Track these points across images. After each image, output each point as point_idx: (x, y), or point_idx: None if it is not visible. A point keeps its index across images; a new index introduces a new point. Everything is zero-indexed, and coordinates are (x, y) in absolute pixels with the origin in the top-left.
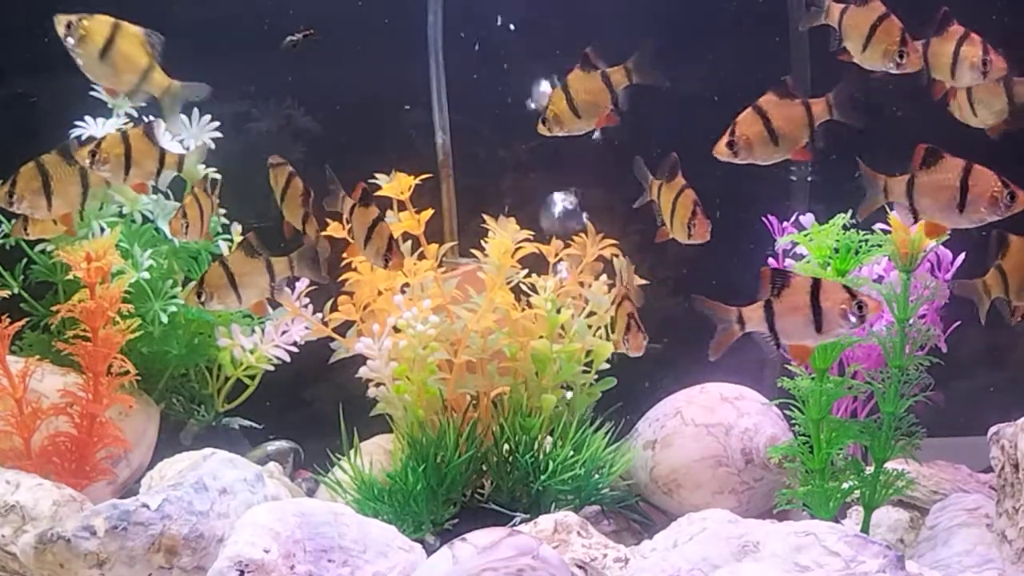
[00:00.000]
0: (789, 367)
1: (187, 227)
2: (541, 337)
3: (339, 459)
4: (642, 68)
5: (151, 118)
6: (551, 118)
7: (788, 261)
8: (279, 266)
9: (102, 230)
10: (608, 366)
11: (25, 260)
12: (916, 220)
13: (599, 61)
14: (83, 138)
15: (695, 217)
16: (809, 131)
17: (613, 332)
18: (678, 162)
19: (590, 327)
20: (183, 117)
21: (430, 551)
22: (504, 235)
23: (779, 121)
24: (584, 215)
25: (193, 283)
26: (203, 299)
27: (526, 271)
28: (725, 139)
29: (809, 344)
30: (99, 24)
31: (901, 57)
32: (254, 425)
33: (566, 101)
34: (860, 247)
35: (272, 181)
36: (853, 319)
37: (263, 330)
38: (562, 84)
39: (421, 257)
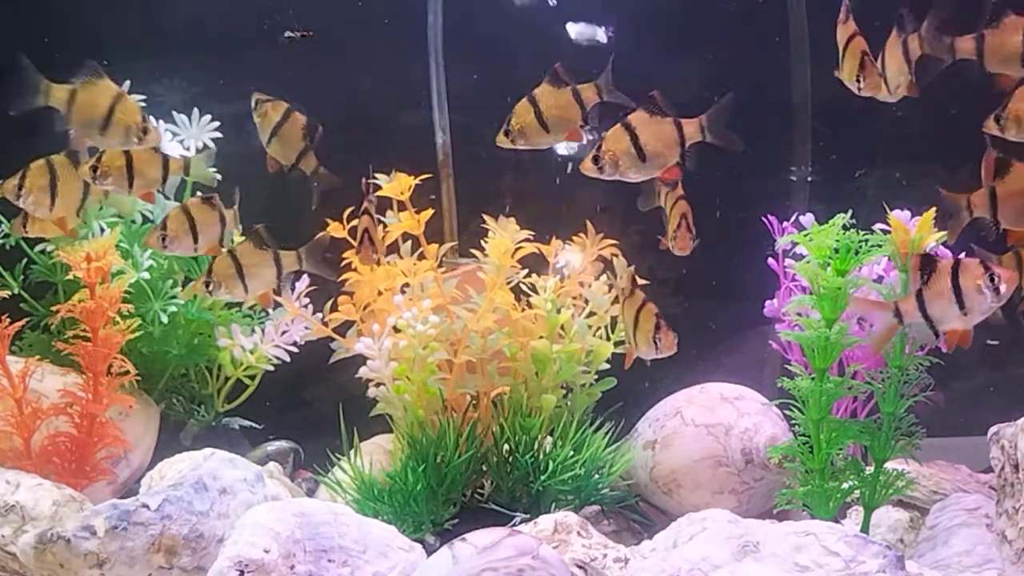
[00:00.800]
0: (789, 367)
1: (165, 240)
2: (541, 337)
3: (339, 459)
4: (611, 88)
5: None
6: (515, 131)
7: (788, 261)
8: (287, 259)
9: (102, 230)
10: (608, 366)
11: (25, 260)
12: (999, 230)
13: (568, 76)
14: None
15: (679, 229)
16: (680, 150)
17: (614, 332)
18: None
19: (590, 327)
20: (183, 117)
21: (430, 551)
22: (504, 235)
23: (647, 139)
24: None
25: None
26: (211, 288)
27: (526, 271)
28: (591, 154)
29: (959, 327)
30: None
31: (859, 81)
32: (254, 425)
33: (534, 114)
34: (860, 247)
35: (258, 119)
36: (988, 293)
37: (263, 330)
38: (529, 97)
39: (421, 257)
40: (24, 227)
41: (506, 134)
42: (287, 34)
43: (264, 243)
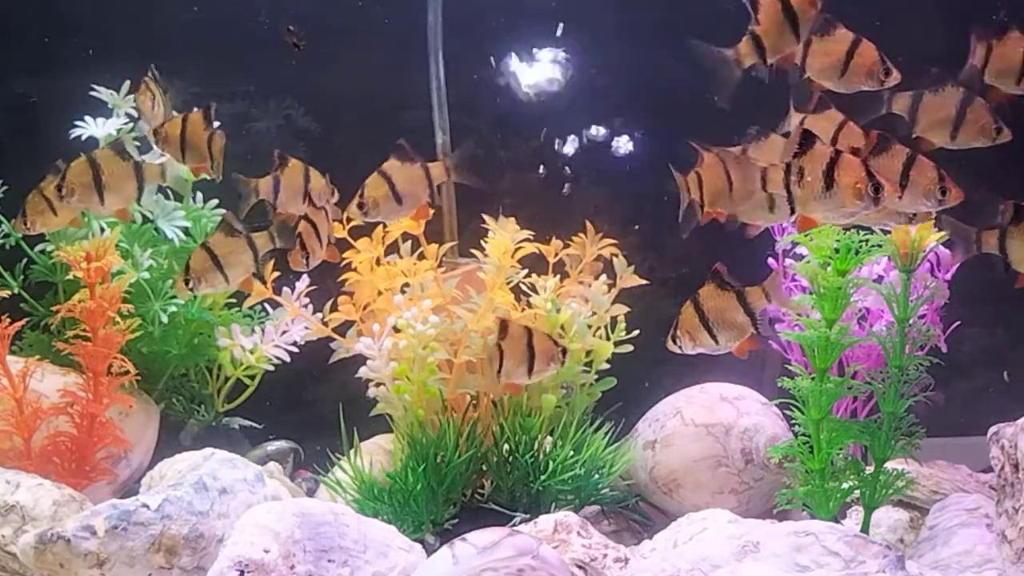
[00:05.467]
0: (789, 367)
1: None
2: None
3: (339, 459)
4: (461, 167)
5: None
6: (369, 203)
7: (788, 261)
8: (260, 240)
9: (102, 230)
10: (608, 366)
11: (25, 260)
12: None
13: (415, 153)
14: (84, 138)
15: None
16: (429, 191)
17: (614, 332)
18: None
19: (590, 327)
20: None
21: (430, 551)
22: (504, 235)
23: (401, 183)
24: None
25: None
26: (191, 285)
27: (526, 271)
28: (356, 200)
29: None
30: None
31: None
32: (254, 425)
33: (387, 188)
34: (860, 247)
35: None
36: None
37: (263, 330)
38: (380, 171)
39: (421, 257)
40: (25, 224)
41: (360, 207)
42: (288, 28)
43: (234, 229)
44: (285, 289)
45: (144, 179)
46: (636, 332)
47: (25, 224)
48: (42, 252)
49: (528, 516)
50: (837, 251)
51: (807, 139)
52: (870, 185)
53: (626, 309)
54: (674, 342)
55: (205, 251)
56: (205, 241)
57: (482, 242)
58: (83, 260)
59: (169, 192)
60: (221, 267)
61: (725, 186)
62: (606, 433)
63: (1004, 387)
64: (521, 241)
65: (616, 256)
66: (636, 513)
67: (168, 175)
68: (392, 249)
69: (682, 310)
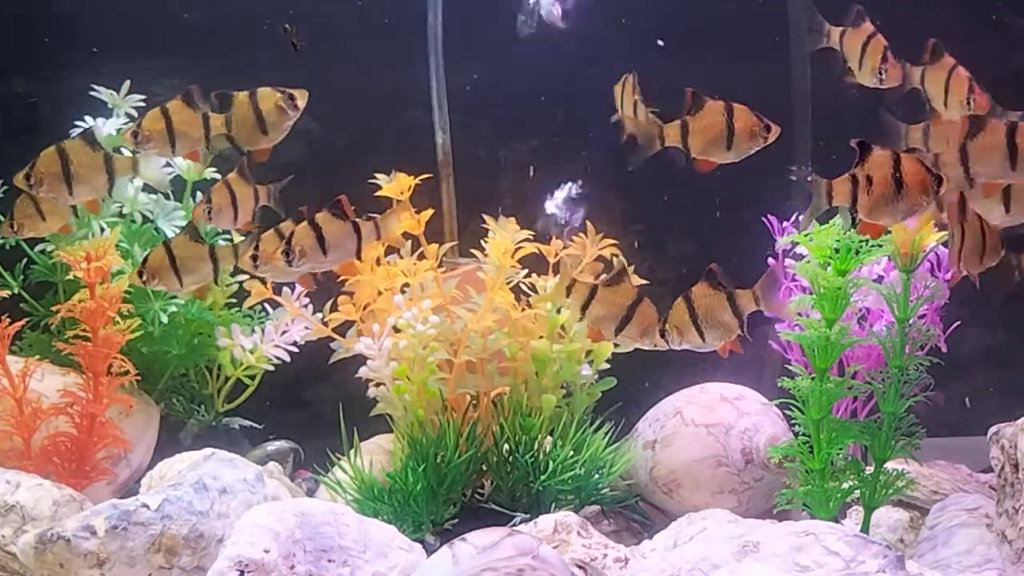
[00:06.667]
0: (789, 367)
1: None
2: (541, 337)
3: (339, 459)
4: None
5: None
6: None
7: (788, 261)
8: (222, 252)
9: (102, 230)
10: (608, 366)
11: (25, 260)
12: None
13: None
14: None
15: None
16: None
17: None
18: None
19: None
20: None
21: (430, 551)
22: (504, 235)
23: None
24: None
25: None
26: (144, 278)
27: (526, 271)
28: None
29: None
30: None
31: (882, 73)
32: (254, 425)
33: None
34: (860, 247)
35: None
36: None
37: (263, 330)
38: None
39: (421, 257)
40: (12, 228)
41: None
42: (285, 26)
43: (199, 237)
44: (285, 289)
45: (115, 170)
46: None
47: (12, 228)
48: (42, 252)
49: (528, 516)
50: (837, 251)
51: (864, 148)
52: (932, 179)
53: None
54: (663, 336)
55: (164, 250)
56: (167, 240)
57: (482, 242)
58: (83, 260)
59: (170, 192)
60: (177, 270)
61: (723, 134)
62: (606, 433)
63: (1006, 387)
64: (521, 241)
65: (616, 256)
66: (636, 513)
67: (144, 170)
68: (392, 249)
69: (674, 305)
